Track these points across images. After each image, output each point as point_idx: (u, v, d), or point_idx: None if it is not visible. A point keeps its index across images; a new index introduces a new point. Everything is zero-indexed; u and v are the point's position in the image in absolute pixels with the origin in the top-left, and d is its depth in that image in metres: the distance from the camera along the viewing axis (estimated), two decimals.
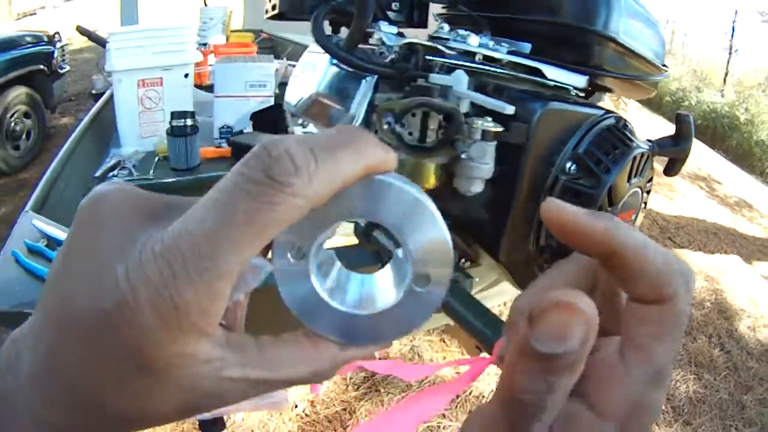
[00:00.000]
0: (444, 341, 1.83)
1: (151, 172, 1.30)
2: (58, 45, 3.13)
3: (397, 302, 0.18)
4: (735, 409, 1.75)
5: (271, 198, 0.14)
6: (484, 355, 0.40)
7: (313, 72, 0.49)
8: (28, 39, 2.85)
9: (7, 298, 0.75)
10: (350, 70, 0.47)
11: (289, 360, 0.18)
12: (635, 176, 0.48)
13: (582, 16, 0.46)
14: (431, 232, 0.17)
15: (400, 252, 0.19)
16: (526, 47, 0.49)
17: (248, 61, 1.43)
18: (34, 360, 0.16)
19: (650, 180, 0.53)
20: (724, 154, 5.27)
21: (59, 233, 0.85)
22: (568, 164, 0.45)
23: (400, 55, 0.47)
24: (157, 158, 1.37)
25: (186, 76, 1.40)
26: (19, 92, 2.74)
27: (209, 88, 1.71)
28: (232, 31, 2.22)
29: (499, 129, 0.37)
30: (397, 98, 0.41)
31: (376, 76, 0.47)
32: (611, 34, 0.45)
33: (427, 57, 0.43)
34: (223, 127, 1.46)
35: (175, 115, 1.28)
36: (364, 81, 0.47)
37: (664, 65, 0.55)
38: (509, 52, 0.48)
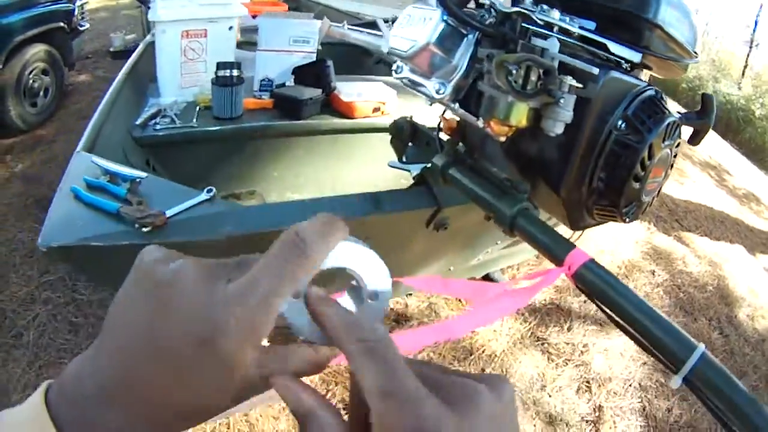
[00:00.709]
0: (460, 300, 2.04)
1: (194, 120, 1.44)
2: (78, 3, 3.28)
3: (358, 313, 0.29)
4: None
5: (305, 265, 0.25)
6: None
7: (423, 25, 0.65)
8: None
9: (70, 232, 0.77)
10: (457, 26, 0.63)
11: (294, 358, 0.27)
12: (668, 138, 0.66)
13: (637, 5, 0.63)
14: (376, 266, 0.28)
15: (354, 281, 0.29)
16: (591, 25, 0.66)
17: (293, 17, 1.56)
18: (110, 381, 0.24)
19: (678, 145, 0.71)
20: (737, 147, 5.52)
21: (122, 169, 0.91)
22: (619, 122, 0.63)
23: (498, 20, 0.63)
24: (198, 107, 1.51)
25: (230, 28, 1.53)
26: (38, 49, 2.87)
27: (238, 45, 1.84)
28: None
29: (580, 86, 0.54)
30: (501, 54, 0.58)
31: (477, 34, 0.63)
32: (659, 22, 0.62)
33: (523, 24, 0.59)
34: (264, 80, 1.61)
35: (220, 65, 1.42)
36: (466, 38, 0.64)
37: (695, 51, 0.72)
38: (580, 27, 0.64)
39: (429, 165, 0.82)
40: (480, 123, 0.61)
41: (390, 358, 0.23)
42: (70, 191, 0.82)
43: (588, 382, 1.86)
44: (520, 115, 0.56)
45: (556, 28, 0.63)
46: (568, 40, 0.63)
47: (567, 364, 1.91)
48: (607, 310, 0.57)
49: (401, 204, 0.98)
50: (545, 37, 0.57)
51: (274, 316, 0.24)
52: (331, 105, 1.65)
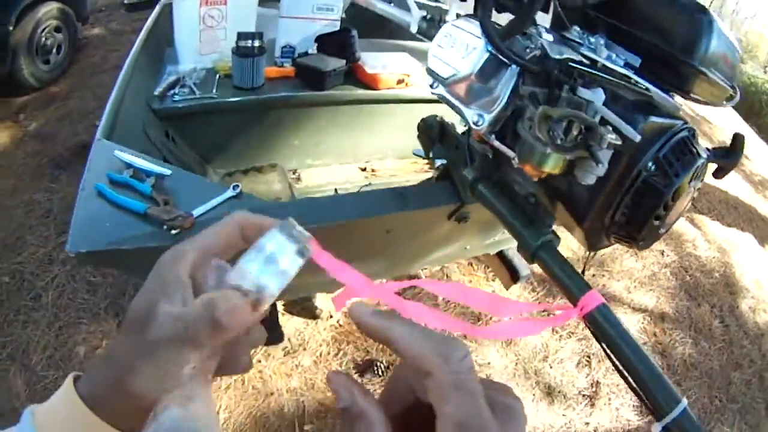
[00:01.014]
0: (471, 265, 2.13)
1: (214, 90, 1.44)
2: None
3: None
4: (722, 383, 2.04)
5: (219, 227, 0.33)
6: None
7: (465, 52, 0.66)
8: None
9: (98, 237, 0.74)
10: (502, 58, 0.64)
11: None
12: (694, 180, 0.68)
13: (685, 50, 0.63)
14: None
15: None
16: (637, 60, 0.66)
17: None
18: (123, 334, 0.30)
19: (702, 180, 0.73)
20: (758, 131, 5.41)
21: (146, 164, 0.88)
22: (650, 164, 0.64)
23: (542, 54, 0.64)
24: (218, 75, 1.50)
25: None
26: (51, 7, 2.84)
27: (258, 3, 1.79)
28: None
29: (619, 142, 0.56)
30: (544, 97, 0.60)
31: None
32: (704, 69, 0.63)
33: (570, 64, 0.60)
34: (285, 47, 1.60)
35: (241, 35, 1.40)
36: (509, 68, 0.65)
37: (733, 87, 0.72)
38: (625, 64, 0.65)
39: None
40: (515, 162, 0.64)
41: (475, 391, 0.24)
42: (94, 189, 0.81)
43: (589, 357, 1.95)
44: (555, 164, 0.58)
45: (600, 64, 0.64)
46: (614, 79, 0.63)
47: (570, 337, 2.00)
48: (610, 353, 0.62)
49: (426, 201, 1.01)
50: (590, 82, 0.58)
51: (195, 249, 0.32)
52: (355, 75, 1.64)
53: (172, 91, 1.39)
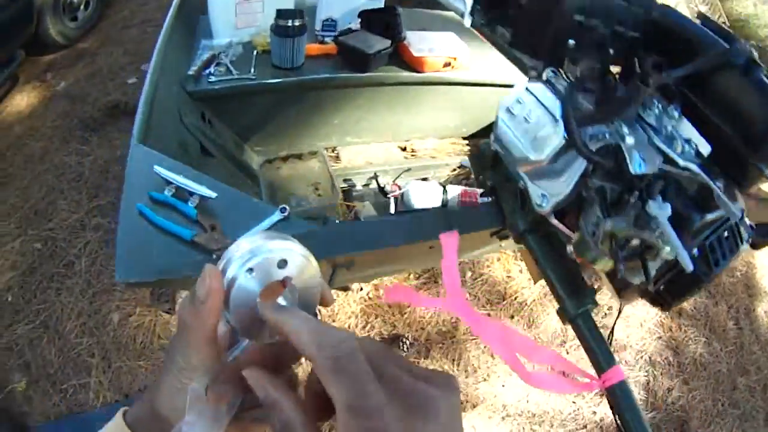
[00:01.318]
0: (500, 243, 2.16)
1: (252, 70, 1.41)
2: None
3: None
4: (727, 387, 2.11)
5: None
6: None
7: (539, 130, 0.67)
8: None
9: (146, 267, 0.74)
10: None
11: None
12: (732, 262, 0.70)
13: (756, 152, 0.63)
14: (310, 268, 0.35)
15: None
16: (707, 149, 0.67)
17: None
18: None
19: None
20: None
21: (188, 182, 0.86)
22: (695, 250, 0.67)
23: (614, 144, 0.65)
24: (255, 52, 1.47)
25: None
26: None
27: None
28: None
29: (672, 257, 0.58)
30: (612, 195, 0.63)
31: None
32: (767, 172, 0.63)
33: None
34: (327, 20, 1.56)
35: (281, 13, 1.37)
36: (580, 158, 0.66)
37: None
38: (696, 154, 0.67)
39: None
40: (570, 247, 0.67)
41: (356, 372, 0.25)
42: (136, 210, 0.81)
43: None
44: (607, 266, 0.62)
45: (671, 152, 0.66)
46: (681, 173, 0.65)
47: None
48: (620, 423, 0.68)
49: (471, 225, 1.04)
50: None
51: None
52: (400, 56, 1.62)
53: (207, 70, 1.37)
